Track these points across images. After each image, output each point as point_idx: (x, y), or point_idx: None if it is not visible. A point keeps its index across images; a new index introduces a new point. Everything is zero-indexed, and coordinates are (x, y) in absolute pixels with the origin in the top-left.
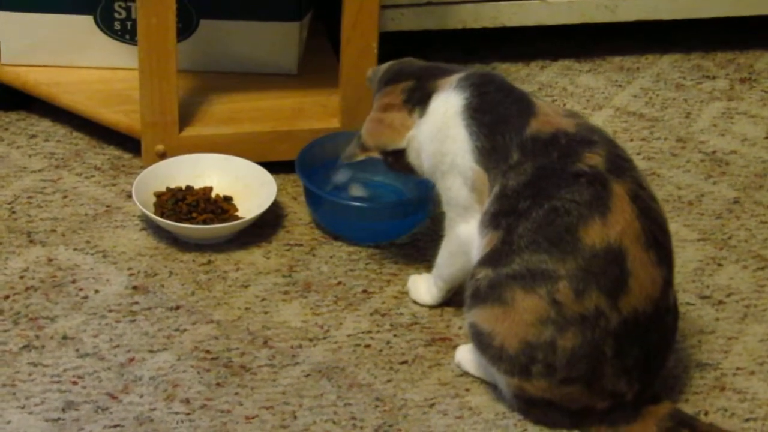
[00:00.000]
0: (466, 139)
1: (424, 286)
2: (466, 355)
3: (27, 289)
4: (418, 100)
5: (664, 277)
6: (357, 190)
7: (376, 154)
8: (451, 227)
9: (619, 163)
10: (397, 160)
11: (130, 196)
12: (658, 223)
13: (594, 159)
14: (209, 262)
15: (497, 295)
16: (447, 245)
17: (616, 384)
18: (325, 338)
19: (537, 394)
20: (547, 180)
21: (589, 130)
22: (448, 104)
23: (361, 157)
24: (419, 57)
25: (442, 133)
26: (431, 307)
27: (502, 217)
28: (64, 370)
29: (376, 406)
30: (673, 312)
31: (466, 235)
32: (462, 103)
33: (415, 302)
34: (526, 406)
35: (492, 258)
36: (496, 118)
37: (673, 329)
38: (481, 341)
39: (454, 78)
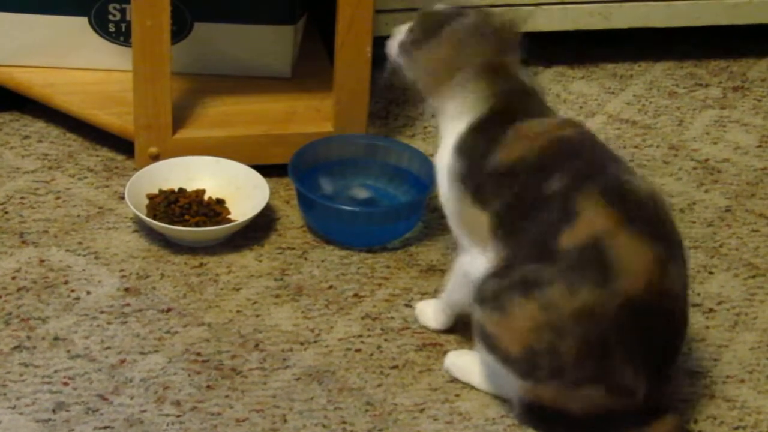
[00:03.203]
0: (452, 163)
1: (431, 312)
2: (455, 361)
3: (19, 289)
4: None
5: (657, 253)
6: (360, 192)
7: (411, 78)
8: (462, 253)
9: (587, 173)
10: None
11: (122, 198)
12: (642, 202)
13: (562, 180)
14: (201, 264)
15: (498, 304)
16: (454, 272)
17: (625, 376)
18: (315, 342)
19: (548, 400)
20: (524, 203)
21: (553, 154)
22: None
23: (395, 58)
24: None
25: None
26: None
27: (503, 237)
28: (55, 371)
29: (366, 411)
30: (680, 297)
31: (467, 265)
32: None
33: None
34: (535, 413)
35: (498, 271)
36: (473, 147)
37: (680, 316)
38: (488, 342)
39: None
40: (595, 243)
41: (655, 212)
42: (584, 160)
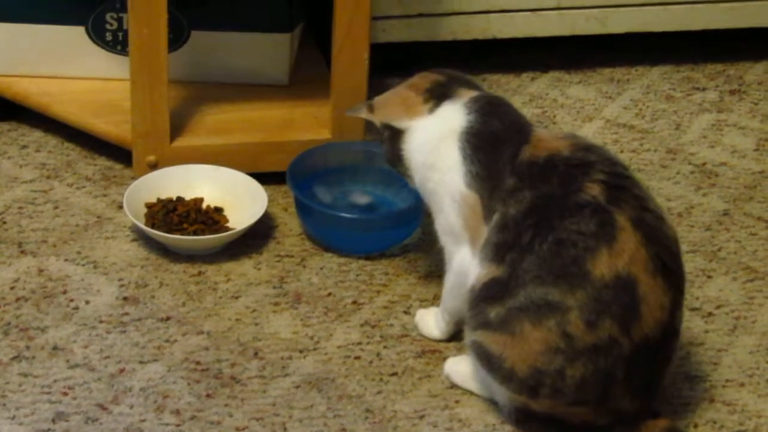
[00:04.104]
0: (458, 160)
1: (432, 321)
2: (454, 368)
3: (18, 299)
4: (438, 96)
5: (673, 301)
6: (361, 198)
7: (378, 122)
8: (450, 260)
9: (620, 185)
10: (393, 140)
11: (121, 207)
12: (665, 245)
13: (594, 189)
14: (200, 273)
15: (506, 326)
16: (448, 278)
17: (621, 402)
18: (315, 349)
19: (541, 410)
20: (548, 209)
21: (584, 149)
22: (450, 118)
23: (364, 115)
24: (410, 70)
25: (434, 144)
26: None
27: (505, 251)
28: (55, 381)
29: (366, 418)
30: (678, 333)
31: (462, 266)
32: (463, 124)
33: (424, 336)
34: (526, 419)
35: (497, 292)
36: (491, 144)
37: (675, 348)
38: (490, 362)
39: (469, 96)
40: (628, 277)
41: (676, 259)
42: (618, 165)
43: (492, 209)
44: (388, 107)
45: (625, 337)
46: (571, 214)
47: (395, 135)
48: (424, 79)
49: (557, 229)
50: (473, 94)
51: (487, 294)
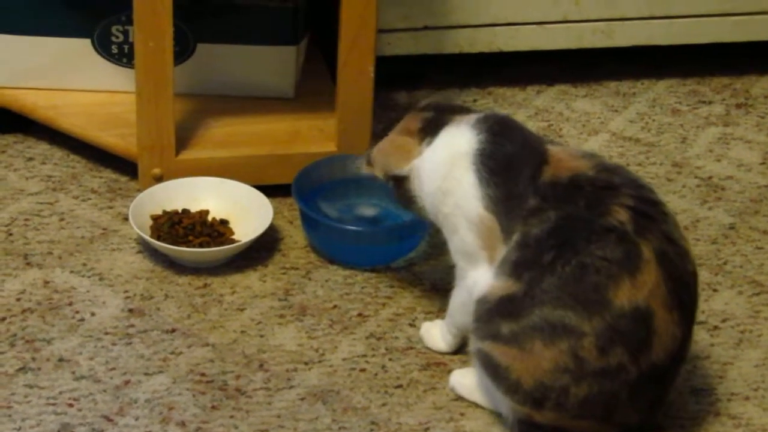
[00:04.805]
0: (474, 184)
1: (438, 334)
2: (460, 380)
3: (23, 311)
4: (432, 129)
5: (684, 334)
6: (368, 210)
7: (380, 174)
8: (462, 277)
9: (647, 212)
10: (399, 187)
11: (126, 219)
12: (684, 282)
13: (621, 214)
14: (205, 285)
15: (517, 341)
16: (458, 295)
17: (625, 417)
18: (320, 362)
19: (545, 422)
20: (573, 231)
21: (608, 171)
22: (459, 141)
23: (366, 171)
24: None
25: (445, 169)
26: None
27: (524, 269)
28: (60, 393)
29: (371, 430)
30: (685, 359)
31: (477, 286)
32: (475, 146)
33: (429, 349)
34: (529, 430)
35: (512, 309)
36: (508, 165)
37: (680, 372)
38: (496, 372)
39: (473, 117)
40: (646, 310)
41: (693, 295)
42: (644, 188)
43: (511, 230)
44: (386, 158)
45: (634, 365)
46: (598, 239)
47: (400, 180)
48: (414, 119)
49: (582, 253)
50: (474, 115)
51: (501, 309)
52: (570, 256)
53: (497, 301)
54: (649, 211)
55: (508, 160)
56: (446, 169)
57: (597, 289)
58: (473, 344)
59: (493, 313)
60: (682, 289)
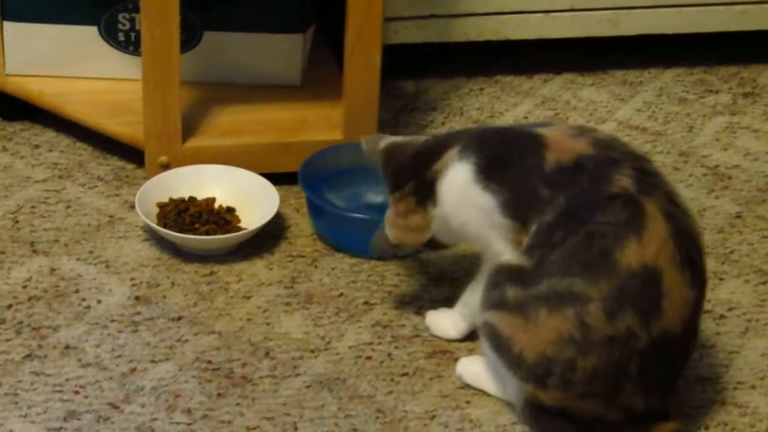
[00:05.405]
0: (488, 200)
1: (447, 321)
2: (468, 368)
3: (30, 298)
4: (427, 194)
5: (696, 299)
6: (373, 198)
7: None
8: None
9: (648, 179)
10: (428, 243)
11: (133, 207)
12: (691, 239)
13: (623, 180)
14: (211, 273)
15: (521, 310)
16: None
17: (633, 400)
18: (326, 350)
19: (550, 403)
20: (580, 207)
21: (606, 148)
22: (458, 178)
23: (389, 250)
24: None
25: (462, 203)
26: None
27: (535, 249)
28: (66, 380)
29: (377, 418)
30: (696, 332)
31: None
32: (471, 169)
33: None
34: (536, 413)
35: (521, 277)
36: (509, 167)
37: (693, 348)
38: (499, 344)
39: (453, 153)
40: (654, 269)
41: (701, 255)
42: (643, 159)
43: (531, 223)
44: (408, 239)
45: (644, 331)
46: (603, 207)
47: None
48: (404, 201)
49: (588, 223)
50: (452, 151)
51: (509, 276)
52: (577, 228)
53: (507, 269)
54: (650, 178)
55: (508, 161)
56: (463, 202)
57: (603, 253)
58: (479, 318)
59: (501, 278)
60: (690, 245)
